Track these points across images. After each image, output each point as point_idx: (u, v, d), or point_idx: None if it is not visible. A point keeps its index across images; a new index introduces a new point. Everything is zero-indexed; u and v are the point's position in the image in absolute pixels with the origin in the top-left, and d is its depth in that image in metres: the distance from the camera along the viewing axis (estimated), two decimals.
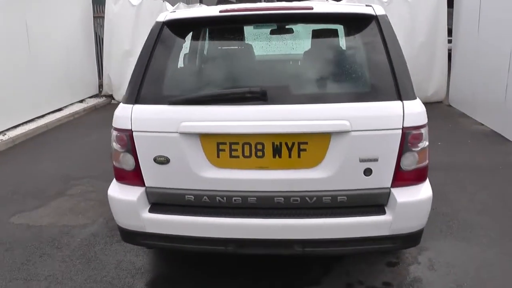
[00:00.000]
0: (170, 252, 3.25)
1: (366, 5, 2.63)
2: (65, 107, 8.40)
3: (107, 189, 2.47)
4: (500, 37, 6.09)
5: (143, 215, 2.42)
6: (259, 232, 2.35)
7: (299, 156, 2.30)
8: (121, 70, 9.21)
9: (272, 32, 2.82)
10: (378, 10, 2.55)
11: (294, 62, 2.82)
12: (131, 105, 2.42)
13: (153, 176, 2.42)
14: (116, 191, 2.52)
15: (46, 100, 7.76)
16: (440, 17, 8.19)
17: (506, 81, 5.85)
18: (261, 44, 2.98)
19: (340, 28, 2.74)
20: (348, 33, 2.70)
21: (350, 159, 2.28)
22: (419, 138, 2.32)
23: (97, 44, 9.73)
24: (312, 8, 2.47)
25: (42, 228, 3.74)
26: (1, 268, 3.14)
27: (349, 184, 2.33)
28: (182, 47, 2.76)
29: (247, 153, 2.32)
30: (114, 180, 2.59)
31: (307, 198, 2.33)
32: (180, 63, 2.74)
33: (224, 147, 2.32)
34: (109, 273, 3.02)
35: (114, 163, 2.53)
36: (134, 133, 2.38)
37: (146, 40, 2.57)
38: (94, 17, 9.57)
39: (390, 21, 2.50)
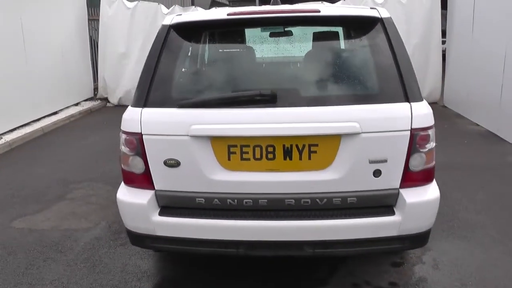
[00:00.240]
0: (175, 255, 3.25)
1: (371, 8, 2.66)
2: (61, 110, 8.35)
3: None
4: (494, 38, 6.18)
5: (153, 218, 2.42)
6: (270, 234, 2.36)
7: (309, 158, 2.32)
8: (116, 73, 9.19)
9: (280, 35, 2.83)
10: (383, 13, 2.58)
11: (303, 64, 2.84)
12: (140, 109, 2.42)
13: (163, 179, 2.42)
14: (125, 194, 2.52)
15: (42, 104, 7.71)
16: (434, 19, 8.28)
17: (501, 81, 5.94)
18: (269, 46, 3.00)
19: (346, 30, 2.76)
20: (354, 36, 2.73)
21: (360, 161, 2.30)
22: (426, 139, 2.35)
23: (91, 46, 9.69)
24: (319, 11, 2.49)
25: (44, 232, 3.71)
26: (5, 272, 3.11)
27: (359, 185, 2.35)
28: (189, 50, 2.76)
29: (258, 155, 2.33)
30: (122, 183, 2.59)
31: (317, 199, 2.35)
32: (188, 66, 2.74)
33: (235, 150, 2.33)
34: (115, 277, 3.01)
35: (123, 167, 2.52)
36: (144, 136, 2.38)
37: (153, 43, 2.56)
38: (88, 19, 9.52)
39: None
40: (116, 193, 4.43)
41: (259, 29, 2.85)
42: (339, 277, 2.92)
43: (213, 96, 2.43)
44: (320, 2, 8.20)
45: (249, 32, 2.97)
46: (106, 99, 9.55)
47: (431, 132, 2.36)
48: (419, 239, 2.46)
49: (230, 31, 2.82)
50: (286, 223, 2.34)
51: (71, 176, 5.05)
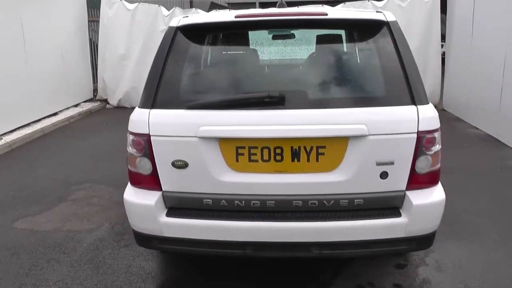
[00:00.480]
0: (179, 256, 3.25)
1: (377, 11, 2.68)
2: (60, 111, 8.34)
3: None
4: (494, 42, 6.22)
5: (161, 219, 2.43)
6: (277, 235, 2.37)
7: (317, 160, 2.33)
8: (116, 74, 9.19)
9: (287, 37, 2.85)
10: (389, 16, 2.60)
11: (310, 67, 2.86)
12: (148, 110, 2.42)
13: (170, 180, 2.43)
14: (132, 195, 2.52)
15: (42, 104, 7.70)
16: (434, 23, 8.35)
17: (500, 85, 5.98)
18: (276, 49, 3.02)
19: (353, 33, 2.78)
20: (360, 39, 2.75)
21: (367, 163, 2.32)
22: (433, 141, 2.37)
23: (90, 48, 9.68)
24: (326, 14, 2.51)
25: (46, 233, 3.71)
26: (9, 273, 3.10)
27: (366, 187, 2.37)
28: (196, 52, 2.77)
29: (266, 157, 2.34)
30: (129, 184, 2.59)
31: (325, 201, 2.36)
32: (195, 68, 2.75)
33: (243, 151, 2.34)
34: (119, 278, 3.01)
35: (130, 168, 2.53)
36: (151, 138, 2.38)
37: (160, 45, 2.57)
38: (88, 21, 9.52)
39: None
40: (117, 194, 4.45)
41: (266, 31, 2.87)
42: (343, 278, 2.94)
43: (221, 98, 2.44)
44: (321, 5, 8.23)
45: (257, 35, 2.99)
46: (105, 101, 9.54)
47: (437, 134, 2.39)
48: (425, 241, 2.47)
49: (238, 34, 2.83)
50: (294, 225, 2.35)
51: (72, 177, 5.05)
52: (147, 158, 2.42)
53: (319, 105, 2.36)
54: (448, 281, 2.90)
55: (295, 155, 2.33)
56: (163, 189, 2.45)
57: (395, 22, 2.57)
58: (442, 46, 8.61)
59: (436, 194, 2.46)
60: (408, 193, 2.39)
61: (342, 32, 2.82)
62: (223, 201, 2.40)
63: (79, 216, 4.01)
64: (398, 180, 2.37)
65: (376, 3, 8.55)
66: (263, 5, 14.12)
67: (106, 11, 9.16)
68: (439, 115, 2.48)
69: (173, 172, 2.40)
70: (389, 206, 2.42)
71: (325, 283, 2.90)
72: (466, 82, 7.17)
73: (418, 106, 2.34)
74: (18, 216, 4.05)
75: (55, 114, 8.12)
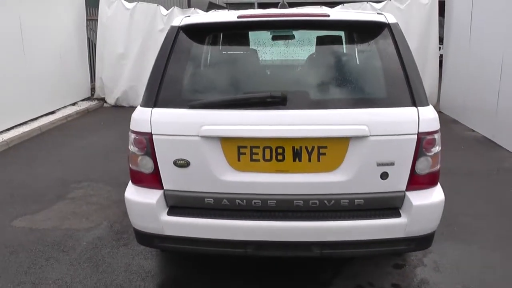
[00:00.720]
0: (179, 255, 3.26)
1: (378, 13, 2.70)
2: (58, 109, 8.32)
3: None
4: (491, 46, 6.27)
5: (162, 217, 2.43)
6: (278, 234, 2.38)
7: (318, 160, 2.35)
8: (114, 73, 9.18)
9: (289, 38, 2.87)
10: (390, 18, 2.62)
11: (312, 67, 2.87)
12: (150, 109, 2.43)
13: (172, 179, 2.43)
14: (134, 193, 2.52)
15: (39, 103, 7.68)
16: (432, 25, 8.39)
17: (498, 88, 6.02)
18: (278, 49, 3.04)
19: (354, 35, 2.80)
20: (362, 40, 2.77)
21: (368, 163, 2.34)
22: (432, 143, 2.40)
23: (88, 46, 9.66)
24: (328, 16, 2.53)
25: (45, 231, 3.70)
26: (8, 271, 3.10)
27: (366, 187, 2.38)
28: (198, 51, 2.78)
29: (267, 156, 2.35)
30: (130, 182, 2.60)
31: (325, 201, 2.38)
32: (197, 67, 2.76)
33: (245, 151, 2.36)
34: (119, 277, 3.01)
35: (131, 166, 2.53)
36: (153, 136, 2.39)
37: (162, 44, 2.58)
38: (86, 19, 9.50)
39: None
40: (116, 193, 4.45)
41: (269, 32, 2.88)
42: (343, 278, 2.95)
43: (223, 98, 2.45)
44: (319, 6, 8.26)
45: (259, 35, 3.00)
46: (103, 99, 9.53)
47: (437, 136, 2.41)
48: (424, 241, 2.50)
49: (240, 34, 2.84)
50: (295, 224, 2.36)
51: (70, 175, 5.04)
52: (149, 156, 2.42)
53: (321, 106, 2.38)
54: (446, 282, 2.93)
55: (297, 155, 2.34)
56: (164, 187, 2.46)
57: (396, 24, 2.59)
58: (440, 48, 8.66)
59: (436, 195, 2.48)
60: (408, 193, 2.41)
61: (343, 34, 2.84)
62: (224, 200, 2.41)
63: (77, 215, 4.01)
64: (398, 180, 2.39)
65: (374, 5, 8.59)
66: (262, 6, 14.11)
67: (104, 10, 9.15)
68: None
69: (175, 171, 2.41)
70: (389, 206, 2.44)
71: (325, 282, 2.91)
72: (464, 85, 7.21)
73: (419, 108, 2.37)
74: (17, 214, 4.04)
75: (52, 112, 8.09)
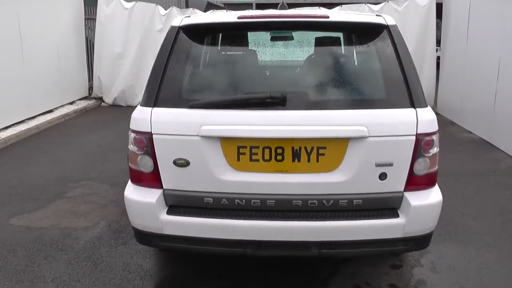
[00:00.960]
0: (177, 254, 3.26)
1: (377, 15, 2.72)
2: (56, 108, 8.32)
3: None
4: (488, 48, 6.30)
5: (161, 217, 2.44)
6: (277, 234, 2.39)
7: (317, 160, 2.36)
8: (112, 73, 9.18)
9: (288, 39, 2.88)
10: (389, 20, 2.64)
11: (311, 68, 2.89)
12: (150, 108, 2.44)
13: (172, 178, 2.44)
14: (133, 193, 2.53)
15: (37, 102, 7.68)
16: (429, 27, 8.43)
17: (494, 90, 6.06)
18: (278, 50, 3.05)
19: (353, 36, 2.82)
20: (361, 42, 2.78)
21: (366, 164, 2.35)
22: (431, 144, 2.41)
23: (86, 46, 9.66)
24: (328, 17, 2.55)
25: (43, 230, 3.70)
26: (6, 270, 3.10)
27: (365, 188, 2.40)
28: (198, 51, 2.79)
29: (267, 157, 2.37)
30: (130, 182, 2.60)
31: (324, 201, 2.39)
32: (197, 67, 2.77)
33: (245, 151, 2.37)
34: (117, 276, 3.02)
35: (131, 165, 2.54)
36: (153, 136, 2.40)
37: (162, 44, 2.59)
38: (85, 18, 9.50)
39: None
40: (113, 192, 4.45)
41: (269, 33, 2.89)
42: (340, 278, 2.97)
43: (223, 98, 2.46)
44: (317, 8, 8.29)
45: (259, 36, 3.01)
46: (100, 99, 9.52)
47: (435, 137, 2.43)
48: (422, 241, 2.51)
49: (240, 34, 2.85)
50: (293, 224, 2.37)
51: (68, 174, 5.04)
52: (149, 156, 2.43)
53: (320, 106, 2.39)
54: (443, 282, 2.95)
55: (296, 155, 2.35)
56: (164, 187, 2.47)
57: (395, 26, 2.61)
58: (437, 50, 8.70)
59: (434, 195, 2.50)
60: (406, 194, 2.43)
61: (343, 35, 2.85)
62: (224, 199, 2.42)
63: (75, 214, 4.01)
64: (396, 181, 2.41)
65: (372, 6, 8.63)
66: (260, 6, 14.14)
67: (103, 9, 9.15)
68: None
69: (175, 171, 2.41)
70: (387, 206, 2.46)
71: (323, 282, 2.93)
72: (461, 87, 7.25)
73: (417, 109, 2.38)
74: (14, 213, 4.04)
75: (50, 111, 8.09)
